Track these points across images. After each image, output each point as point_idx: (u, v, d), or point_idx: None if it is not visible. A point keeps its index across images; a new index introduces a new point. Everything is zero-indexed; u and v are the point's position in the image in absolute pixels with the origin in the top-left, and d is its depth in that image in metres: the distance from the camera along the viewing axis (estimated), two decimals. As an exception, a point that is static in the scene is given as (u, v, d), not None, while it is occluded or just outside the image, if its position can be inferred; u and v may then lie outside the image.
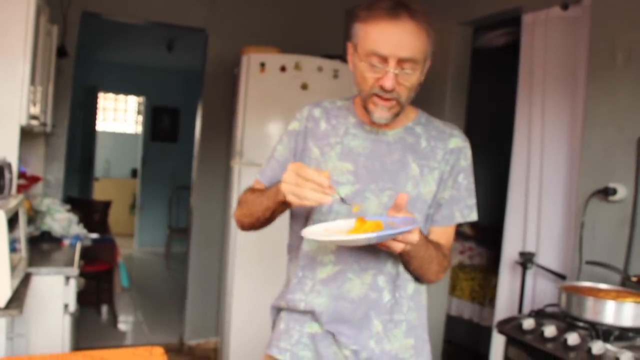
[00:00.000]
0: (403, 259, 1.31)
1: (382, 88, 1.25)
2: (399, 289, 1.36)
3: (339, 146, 1.38)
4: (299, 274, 1.42)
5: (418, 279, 1.39)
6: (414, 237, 1.16)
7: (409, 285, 1.38)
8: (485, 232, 4.28)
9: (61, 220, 2.97)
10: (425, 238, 1.29)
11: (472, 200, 1.41)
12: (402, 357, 1.37)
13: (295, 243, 1.51)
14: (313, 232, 1.20)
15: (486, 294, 3.75)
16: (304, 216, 1.46)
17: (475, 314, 3.83)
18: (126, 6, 3.84)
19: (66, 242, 2.81)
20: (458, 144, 1.39)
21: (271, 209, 1.37)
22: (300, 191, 1.15)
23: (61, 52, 3.52)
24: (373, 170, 1.34)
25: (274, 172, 1.48)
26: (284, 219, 1.59)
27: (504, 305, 2.81)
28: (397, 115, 1.30)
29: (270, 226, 3.68)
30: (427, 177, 1.36)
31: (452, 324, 3.80)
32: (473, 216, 1.41)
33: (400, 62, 1.23)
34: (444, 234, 1.41)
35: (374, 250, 1.31)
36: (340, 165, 1.36)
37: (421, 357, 1.41)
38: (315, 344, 1.38)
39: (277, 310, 1.51)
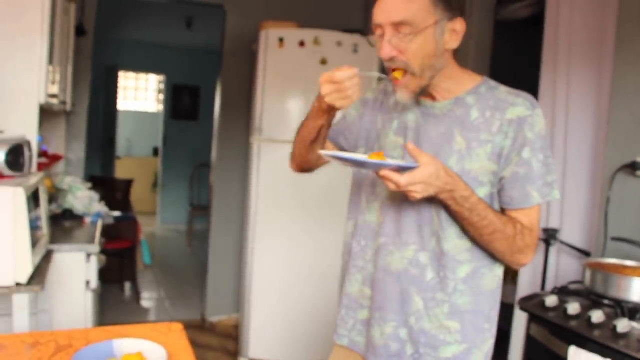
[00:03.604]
0: (453, 217, 1.26)
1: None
2: (444, 268, 1.29)
3: (397, 121, 1.38)
4: (361, 243, 1.43)
5: (497, 257, 1.29)
6: (400, 179, 1.12)
7: (461, 267, 1.29)
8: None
9: (82, 198, 2.99)
10: (479, 199, 1.21)
11: (552, 177, 1.26)
12: (442, 338, 1.31)
13: (352, 215, 1.49)
14: (328, 153, 1.21)
15: (509, 271, 3.70)
16: (360, 188, 1.46)
17: (497, 291, 3.79)
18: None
19: (88, 220, 2.84)
20: (520, 113, 1.24)
21: (318, 126, 1.37)
22: (341, 93, 1.22)
23: (80, 31, 3.52)
24: (419, 144, 1.30)
25: (339, 127, 1.51)
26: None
27: (526, 283, 2.77)
28: (422, 89, 1.26)
29: (290, 204, 3.70)
30: (477, 151, 1.25)
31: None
32: (554, 195, 1.27)
33: (397, 27, 1.20)
34: (523, 217, 1.27)
35: (416, 226, 1.30)
36: (394, 140, 1.36)
37: (473, 346, 1.32)
38: (367, 329, 1.41)
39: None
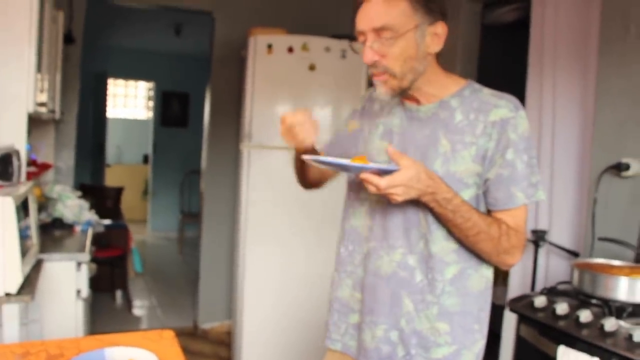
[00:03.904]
0: (438, 219, 1.27)
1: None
2: (432, 270, 1.30)
3: (382, 126, 1.40)
4: (349, 247, 1.47)
5: (483, 257, 1.31)
6: (380, 181, 1.14)
7: (448, 268, 1.30)
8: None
9: (72, 206, 2.98)
10: (463, 201, 1.22)
11: (536, 178, 1.27)
12: (432, 339, 1.32)
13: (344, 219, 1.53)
14: (311, 157, 1.24)
15: (499, 273, 3.73)
16: (348, 194, 1.52)
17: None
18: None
19: (78, 228, 2.82)
20: (503, 115, 1.25)
21: (297, 155, 1.50)
22: (292, 136, 1.39)
23: (68, 39, 3.52)
24: (404, 148, 1.31)
25: (332, 143, 1.59)
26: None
27: (516, 284, 2.79)
28: (402, 90, 1.28)
29: (280, 210, 3.69)
30: (461, 153, 1.26)
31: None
32: (539, 195, 1.28)
33: (378, 32, 1.22)
34: (508, 218, 1.27)
35: (403, 229, 1.32)
36: (380, 145, 1.38)
37: (463, 347, 1.32)
38: (358, 333, 1.43)
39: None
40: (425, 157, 1.29)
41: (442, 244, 1.30)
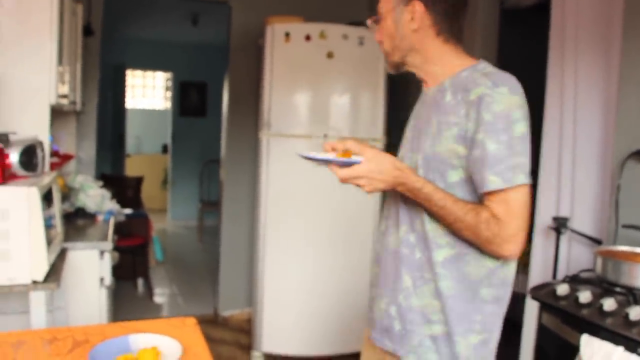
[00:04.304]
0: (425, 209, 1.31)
1: None
2: (428, 249, 1.32)
3: (412, 114, 1.50)
4: (381, 228, 1.52)
5: (477, 245, 1.27)
6: (338, 172, 1.24)
7: (440, 250, 1.30)
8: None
9: (94, 196, 3.02)
10: (434, 190, 1.24)
11: (516, 160, 1.20)
12: (428, 317, 1.33)
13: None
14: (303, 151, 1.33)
15: (520, 261, 3.70)
16: None
17: (509, 280, 3.79)
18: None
19: (100, 217, 2.87)
20: (480, 92, 1.22)
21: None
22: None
23: (87, 31, 3.55)
24: (411, 133, 1.43)
25: None
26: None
27: (537, 272, 2.77)
28: (395, 65, 1.42)
29: (299, 197, 3.71)
30: (445, 133, 1.28)
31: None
32: (519, 179, 1.20)
33: (372, 18, 1.43)
34: (497, 205, 1.21)
35: (408, 207, 1.35)
36: (407, 134, 1.49)
37: (455, 333, 1.31)
38: (371, 305, 1.50)
39: None
40: (419, 139, 1.35)
41: (433, 225, 1.31)
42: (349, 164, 1.23)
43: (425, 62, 1.36)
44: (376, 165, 1.23)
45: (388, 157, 1.25)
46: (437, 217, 1.27)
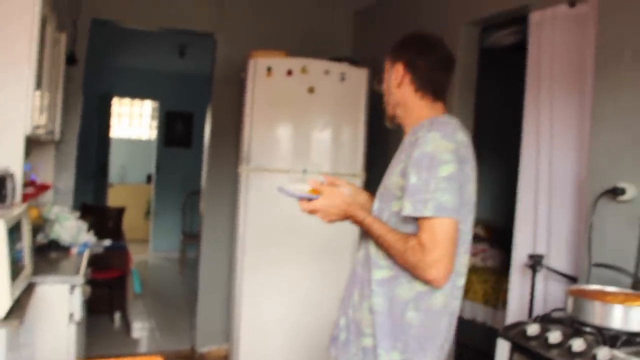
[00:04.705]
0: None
1: None
2: (370, 269, 1.55)
3: None
4: None
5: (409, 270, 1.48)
6: (302, 205, 1.53)
7: (379, 270, 1.53)
8: (499, 234, 4.22)
9: (70, 228, 2.98)
10: (372, 222, 1.50)
11: (429, 196, 1.40)
12: (363, 330, 1.54)
13: None
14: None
15: (499, 297, 3.69)
16: None
17: (489, 317, 3.77)
18: (135, 13, 3.88)
19: (74, 250, 2.82)
20: (418, 135, 1.49)
21: None
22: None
23: (70, 59, 3.55)
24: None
25: None
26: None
27: (515, 309, 2.76)
28: (390, 117, 1.69)
29: (277, 232, 3.69)
30: (394, 169, 1.55)
31: (466, 327, 3.74)
32: (425, 212, 1.40)
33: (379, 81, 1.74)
34: (422, 233, 1.41)
35: (366, 235, 1.59)
36: None
37: (380, 347, 1.49)
38: None
39: None
40: (387, 175, 1.62)
41: (374, 248, 1.55)
42: (310, 199, 1.52)
43: (406, 114, 1.63)
44: (330, 201, 1.52)
45: (340, 196, 1.53)
46: (377, 244, 1.52)
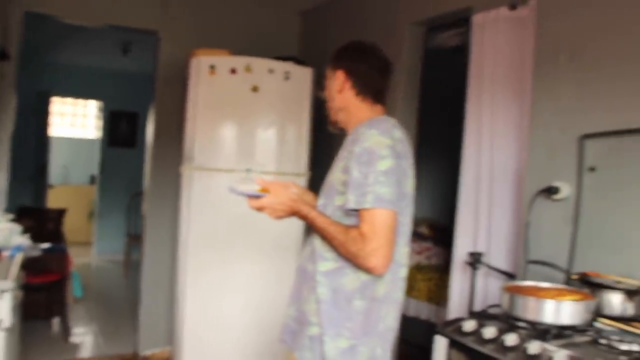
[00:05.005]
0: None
1: None
2: (314, 262, 1.63)
3: None
4: None
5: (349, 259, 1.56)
6: (250, 202, 1.60)
7: (325, 262, 1.61)
8: (443, 232, 4.28)
9: (1, 230, 2.85)
10: (316, 215, 1.57)
11: (368, 189, 1.49)
12: (309, 319, 1.62)
13: None
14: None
15: (442, 295, 3.75)
16: None
17: (432, 314, 3.82)
18: (75, 8, 3.73)
19: (5, 253, 2.70)
20: (359, 131, 1.59)
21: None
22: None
23: (2, 56, 3.39)
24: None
25: None
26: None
27: (455, 306, 2.80)
28: (333, 122, 1.80)
29: (221, 233, 3.65)
30: (337, 166, 1.64)
31: (410, 324, 3.78)
32: (364, 204, 1.50)
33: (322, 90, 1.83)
34: (363, 224, 1.50)
35: (311, 231, 1.66)
36: None
37: (325, 335, 1.57)
38: None
39: None
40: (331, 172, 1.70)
41: (319, 242, 1.63)
42: (258, 197, 1.58)
43: (349, 118, 1.73)
44: (276, 199, 1.58)
45: (286, 193, 1.59)
46: (321, 236, 1.59)
